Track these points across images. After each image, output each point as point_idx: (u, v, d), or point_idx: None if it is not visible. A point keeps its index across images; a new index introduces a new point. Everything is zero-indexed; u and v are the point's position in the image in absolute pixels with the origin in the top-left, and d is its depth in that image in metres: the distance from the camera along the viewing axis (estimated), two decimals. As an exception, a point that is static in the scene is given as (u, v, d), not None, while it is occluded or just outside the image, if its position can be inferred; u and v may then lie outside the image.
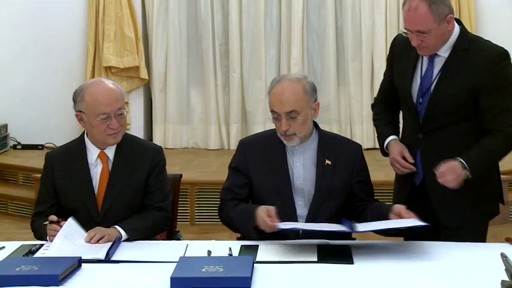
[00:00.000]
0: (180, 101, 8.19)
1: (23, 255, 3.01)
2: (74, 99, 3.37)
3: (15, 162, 7.44)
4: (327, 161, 3.37)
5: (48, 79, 8.04)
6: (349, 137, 7.73)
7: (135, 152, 3.43)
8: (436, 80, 3.30)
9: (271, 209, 3.15)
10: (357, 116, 7.98)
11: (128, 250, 3.07)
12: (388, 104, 3.58)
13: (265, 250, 3.04)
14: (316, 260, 2.92)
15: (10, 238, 5.29)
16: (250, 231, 3.20)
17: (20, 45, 8.03)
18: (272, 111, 3.30)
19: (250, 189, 3.43)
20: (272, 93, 3.30)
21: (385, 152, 3.54)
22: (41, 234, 3.29)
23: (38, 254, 3.03)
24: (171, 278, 2.62)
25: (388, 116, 3.59)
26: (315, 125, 3.46)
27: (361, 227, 3.09)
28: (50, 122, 8.01)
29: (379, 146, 3.59)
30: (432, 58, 3.31)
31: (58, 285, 2.62)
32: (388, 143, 3.51)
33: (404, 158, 3.41)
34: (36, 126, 8.06)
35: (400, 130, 3.62)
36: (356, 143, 3.59)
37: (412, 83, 3.36)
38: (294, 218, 3.32)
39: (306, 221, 3.33)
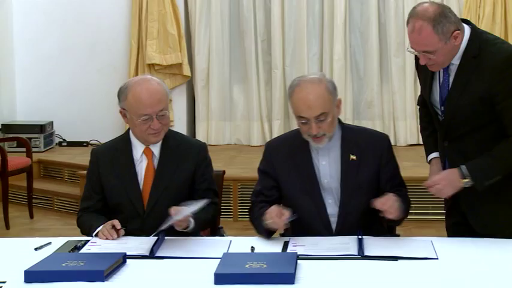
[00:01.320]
0: (222, 98, 8.22)
1: (69, 251, 3.05)
2: (118, 96, 3.39)
3: (60, 159, 7.53)
4: (352, 156, 3.32)
5: (93, 77, 8.13)
6: (392, 134, 7.74)
7: (180, 148, 3.44)
8: (450, 90, 3.22)
9: (286, 212, 3.14)
10: (400, 112, 7.91)
11: (171, 246, 3.09)
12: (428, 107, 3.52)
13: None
14: (357, 253, 2.92)
15: (56, 234, 5.37)
16: (262, 232, 3.21)
17: (64, 43, 8.13)
18: (300, 116, 3.23)
19: (279, 192, 3.42)
20: (296, 98, 3.23)
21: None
22: (89, 228, 3.32)
23: (83, 250, 3.07)
24: (214, 273, 2.63)
25: (431, 123, 3.47)
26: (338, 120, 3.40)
27: (371, 248, 2.99)
28: (95, 119, 8.11)
29: (425, 154, 3.51)
30: (447, 67, 3.21)
31: (103, 281, 2.65)
32: (429, 161, 3.46)
33: None
34: (81, 124, 8.16)
35: None
36: (383, 134, 3.51)
37: (431, 92, 3.30)
38: (325, 218, 3.30)
39: (338, 220, 3.30)
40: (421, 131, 3.58)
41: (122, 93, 3.36)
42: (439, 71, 3.25)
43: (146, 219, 3.34)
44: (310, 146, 3.34)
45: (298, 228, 3.30)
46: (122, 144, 3.47)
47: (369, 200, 3.28)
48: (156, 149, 3.42)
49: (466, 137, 3.23)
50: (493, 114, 3.16)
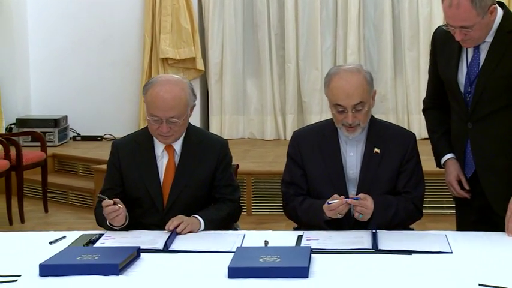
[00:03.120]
0: (236, 92, 8.22)
1: (83, 245, 3.06)
2: (143, 88, 3.40)
3: (74, 153, 7.56)
4: (376, 149, 3.32)
5: (106, 71, 8.14)
6: (406, 127, 7.71)
7: (201, 145, 3.43)
8: (482, 66, 3.22)
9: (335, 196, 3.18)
10: (414, 106, 7.89)
11: (185, 240, 3.09)
12: (439, 105, 3.47)
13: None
14: (371, 247, 2.92)
15: (70, 228, 5.40)
16: (321, 226, 3.21)
17: (78, 38, 8.15)
18: (337, 104, 3.24)
19: (307, 180, 3.42)
20: (334, 86, 3.24)
21: (440, 165, 3.47)
22: (102, 220, 3.30)
23: (97, 244, 3.08)
24: (228, 267, 2.63)
25: (441, 125, 3.47)
26: None
27: (385, 242, 2.99)
28: (109, 114, 8.12)
29: (434, 158, 3.48)
30: (477, 45, 3.22)
31: (117, 275, 2.65)
32: (444, 162, 3.43)
33: (460, 183, 3.36)
34: (95, 118, 8.18)
35: None
36: (410, 132, 3.51)
37: (458, 72, 3.28)
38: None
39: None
40: (430, 135, 3.54)
41: (145, 87, 3.37)
42: (467, 51, 3.25)
43: (165, 215, 3.33)
44: (339, 137, 3.36)
45: None
46: (143, 139, 3.45)
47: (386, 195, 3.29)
48: (177, 146, 3.41)
49: (492, 117, 3.24)
50: None
